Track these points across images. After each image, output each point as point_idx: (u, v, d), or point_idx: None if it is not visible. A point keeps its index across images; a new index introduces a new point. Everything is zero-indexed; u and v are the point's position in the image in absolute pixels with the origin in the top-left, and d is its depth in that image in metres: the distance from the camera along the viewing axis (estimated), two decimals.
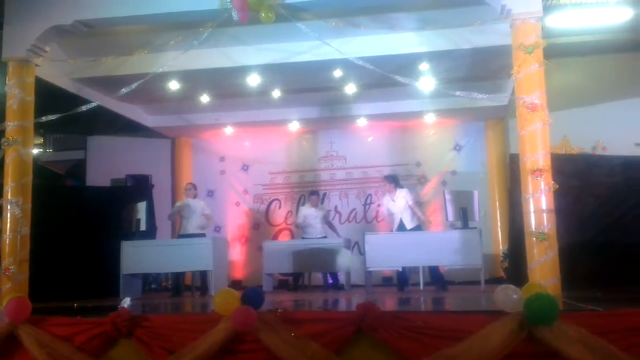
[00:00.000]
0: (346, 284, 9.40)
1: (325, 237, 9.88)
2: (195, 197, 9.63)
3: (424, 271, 8.73)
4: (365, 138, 12.07)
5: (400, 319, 4.07)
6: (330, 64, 8.38)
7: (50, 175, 13.99)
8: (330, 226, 10.17)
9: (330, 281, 10.08)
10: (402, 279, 8.85)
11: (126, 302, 5.20)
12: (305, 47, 7.96)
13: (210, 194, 12.13)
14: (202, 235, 9.35)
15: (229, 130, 11.87)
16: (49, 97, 7.62)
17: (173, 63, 7.33)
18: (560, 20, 8.03)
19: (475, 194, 9.02)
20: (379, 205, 11.81)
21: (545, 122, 5.89)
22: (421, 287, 8.64)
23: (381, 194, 11.01)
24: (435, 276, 8.84)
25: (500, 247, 10.83)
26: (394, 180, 9.12)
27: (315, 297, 7.83)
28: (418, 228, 8.89)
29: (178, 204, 9.78)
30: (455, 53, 8.07)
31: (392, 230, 9.03)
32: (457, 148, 11.71)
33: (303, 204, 11.16)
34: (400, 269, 8.85)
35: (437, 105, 10.64)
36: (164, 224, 10.96)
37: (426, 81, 8.91)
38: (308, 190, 11.69)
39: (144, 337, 4.39)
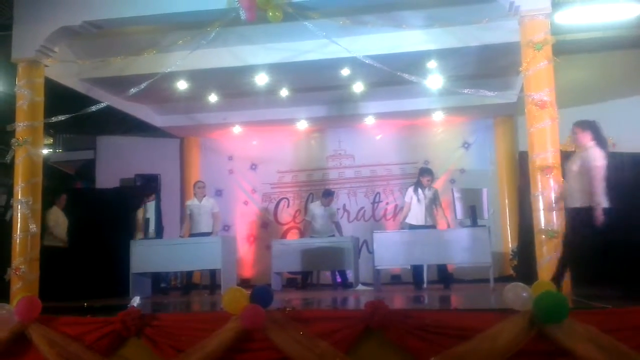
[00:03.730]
0: (354, 282, 9.36)
1: (333, 235, 9.88)
2: (205, 195, 9.66)
3: (432, 269, 8.72)
4: (374, 136, 12.06)
5: (409, 317, 4.07)
6: (338, 63, 8.38)
7: (60, 175, 14.06)
8: (337, 226, 10.16)
9: (339, 279, 10.07)
10: (418, 277, 8.79)
11: (136, 301, 5.23)
12: (313, 45, 7.96)
13: (219, 193, 12.15)
14: (209, 233, 9.38)
15: (237, 129, 11.89)
16: (58, 98, 7.67)
17: (181, 63, 7.35)
18: (569, 16, 7.97)
19: (484, 191, 8.99)
20: (387, 204, 11.80)
21: (555, 119, 5.87)
22: (424, 284, 8.69)
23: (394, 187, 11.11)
24: (443, 274, 8.80)
25: (510, 245, 10.80)
26: (431, 175, 8.94)
27: (324, 296, 7.83)
28: (432, 227, 8.80)
29: (188, 202, 9.80)
30: (463, 50, 8.05)
31: (403, 222, 8.89)
32: (466, 146, 11.67)
33: (312, 202, 11.17)
34: (409, 267, 8.82)
35: (445, 103, 10.62)
36: (171, 224, 11.01)
37: (434, 79, 8.89)
38: (316, 188, 11.70)
39: (154, 336, 4.41)
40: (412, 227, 8.69)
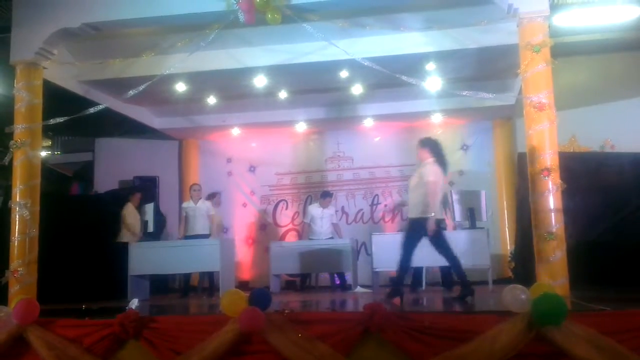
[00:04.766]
0: (353, 285, 9.36)
1: (332, 237, 9.88)
2: (200, 198, 9.68)
3: (433, 271, 8.72)
4: (372, 138, 12.06)
5: (407, 319, 4.07)
6: (336, 65, 8.38)
7: (58, 177, 14.04)
8: (336, 228, 10.16)
9: (338, 282, 10.07)
10: (417, 279, 8.82)
11: (134, 303, 5.22)
12: (312, 48, 7.96)
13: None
14: (207, 235, 9.39)
15: (235, 131, 11.89)
16: (57, 100, 7.66)
17: (180, 65, 7.33)
18: (567, 19, 7.99)
19: (483, 193, 9.01)
20: (385, 206, 11.80)
21: (553, 121, 5.87)
22: (423, 287, 8.72)
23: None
24: (446, 277, 8.80)
25: (508, 247, 10.79)
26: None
27: (323, 298, 7.83)
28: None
29: (184, 205, 9.81)
30: (461, 53, 8.05)
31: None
32: (465, 148, 11.68)
33: (310, 204, 11.17)
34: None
35: (444, 105, 10.62)
36: (170, 226, 11.01)
37: (433, 81, 8.90)
38: (315, 190, 11.70)
39: (152, 338, 4.41)
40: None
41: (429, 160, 6.46)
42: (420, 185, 6.37)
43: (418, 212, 6.30)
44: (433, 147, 6.55)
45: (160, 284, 9.86)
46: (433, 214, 6.18)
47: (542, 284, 4.33)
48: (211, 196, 10.34)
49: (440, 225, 6.48)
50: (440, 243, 6.45)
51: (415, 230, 6.35)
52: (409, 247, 6.37)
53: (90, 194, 11.84)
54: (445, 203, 8.81)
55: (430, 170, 6.36)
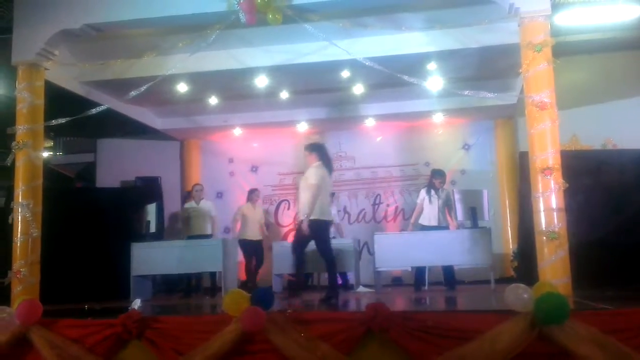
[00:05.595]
0: (355, 284, 9.35)
1: (334, 237, 9.85)
2: (202, 198, 9.69)
3: (433, 271, 8.71)
4: (374, 138, 12.06)
5: (410, 319, 4.07)
6: (338, 65, 8.37)
7: (60, 178, 14.07)
8: (338, 228, 10.16)
9: (340, 281, 10.06)
10: (419, 279, 8.83)
11: (136, 303, 5.23)
12: (313, 48, 7.96)
13: (220, 195, 12.15)
14: (209, 235, 9.39)
15: (237, 131, 11.90)
16: (59, 101, 7.67)
17: (181, 65, 7.35)
18: (569, 18, 7.99)
19: (485, 193, 9.00)
20: (387, 205, 11.81)
21: (555, 120, 5.87)
22: (426, 287, 8.74)
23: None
24: (449, 276, 8.80)
25: (510, 246, 10.79)
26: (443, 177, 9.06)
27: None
28: (445, 228, 8.84)
29: (186, 205, 9.82)
30: (463, 52, 8.04)
31: (415, 222, 9.00)
32: (466, 147, 11.68)
33: None
34: (410, 269, 8.84)
35: (445, 105, 10.62)
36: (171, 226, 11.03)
37: (434, 81, 8.89)
38: None
39: (155, 338, 4.41)
40: (424, 227, 8.76)
41: (315, 163, 6.85)
42: (305, 188, 6.77)
43: (303, 212, 6.68)
44: (319, 151, 6.96)
45: (163, 284, 9.87)
46: (305, 215, 6.60)
47: (544, 283, 4.31)
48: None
49: (325, 225, 6.85)
50: (319, 243, 6.84)
51: (299, 231, 6.78)
52: (298, 248, 6.83)
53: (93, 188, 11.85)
54: (448, 202, 8.84)
55: (314, 173, 6.75)
